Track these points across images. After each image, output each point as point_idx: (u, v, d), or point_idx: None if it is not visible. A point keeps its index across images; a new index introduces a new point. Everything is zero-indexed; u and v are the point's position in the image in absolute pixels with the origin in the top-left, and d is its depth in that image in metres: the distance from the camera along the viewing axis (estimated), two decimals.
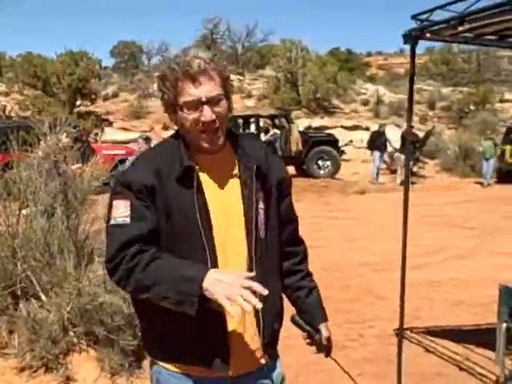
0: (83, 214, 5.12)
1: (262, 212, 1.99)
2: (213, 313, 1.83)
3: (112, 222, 1.88)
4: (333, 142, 19.39)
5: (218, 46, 40.23)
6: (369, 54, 72.49)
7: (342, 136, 21.71)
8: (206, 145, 1.92)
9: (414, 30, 4.08)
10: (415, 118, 30.47)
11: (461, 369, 4.78)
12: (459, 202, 14.45)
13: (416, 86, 41.25)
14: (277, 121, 19.03)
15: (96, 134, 22.70)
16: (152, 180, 1.87)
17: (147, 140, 8.65)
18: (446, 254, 9.46)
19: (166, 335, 1.94)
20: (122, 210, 1.87)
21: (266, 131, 18.32)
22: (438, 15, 4.13)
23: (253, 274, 1.80)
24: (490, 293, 7.38)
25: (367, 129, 25.76)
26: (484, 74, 41.69)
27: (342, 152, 19.91)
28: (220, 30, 39.81)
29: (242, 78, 34.02)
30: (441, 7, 3.90)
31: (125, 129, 24.76)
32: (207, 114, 1.87)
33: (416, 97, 37.02)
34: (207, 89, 1.87)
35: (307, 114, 27.86)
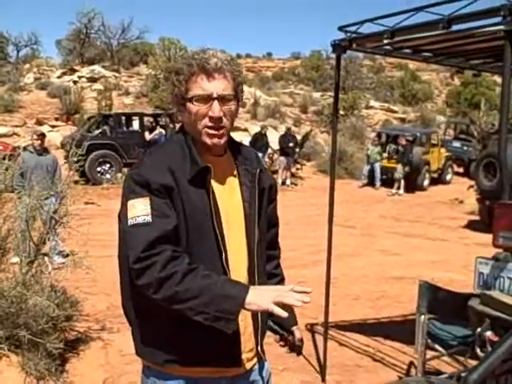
0: None
1: (259, 213, 2.08)
2: None
3: (131, 221, 1.84)
4: None
5: (92, 41, 39.13)
6: (238, 56, 73.56)
7: None
8: (208, 141, 1.95)
9: (344, 40, 4.33)
10: (290, 121, 31.47)
11: (374, 360, 5.11)
12: (339, 203, 15.00)
13: (288, 90, 42.70)
14: (161, 120, 18.90)
15: None
16: (169, 180, 1.87)
17: (42, 136, 8.26)
18: (335, 251, 9.86)
19: (175, 338, 1.93)
20: (141, 209, 1.83)
21: (151, 130, 18.11)
22: (362, 28, 4.43)
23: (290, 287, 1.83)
24: (379, 288, 7.94)
25: (246, 130, 26.19)
26: (351, 80, 43.75)
27: None
28: (95, 25, 38.68)
29: (117, 74, 33.25)
30: (370, 20, 4.17)
31: None
32: (216, 109, 1.91)
33: (289, 100, 38.30)
34: (220, 86, 1.92)
35: None
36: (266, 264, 2.21)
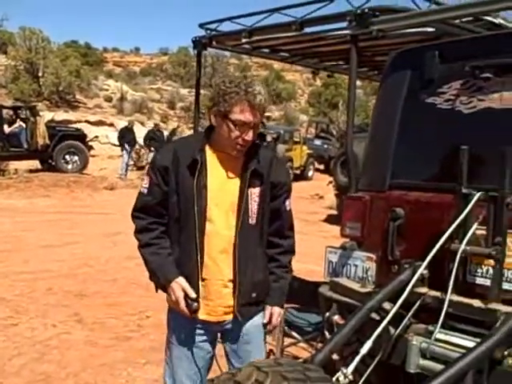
0: None
1: (255, 204, 2.55)
2: (193, 267, 2.51)
3: (140, 188, 2.64)
4: (81, 136, 19.07)
5: None
6: (105, 50, 71.62)
7: (86, 131, 21.31)
8: (234, 153, 2.50)
9: (204, 37, 4.42)
10: (157, 117, 31.22)
11: None
12: None
13: (156, 86, 42.26)
14: (21, 113, 18.03)
15: None
16: (168, 163, 2.51)
17: None
18: None
19: None
20: (145, 183, 2.60)
21: (11, 123, 17.22)
22: (223, 26, 4.54)
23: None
24: None
25: (112, 125, 25.68)
26: (217, 78, 44.06)
27: (90, 147, 19.67)
28: None
29: None
30: (229, 19, 4.29)
31: None
32: (250, 135, 2.45)
33: (157, 96, 37.93)
34: (257, 118, 2.45)
35: (49, 106, 26.77)
36: (271, 249, 2.71)
